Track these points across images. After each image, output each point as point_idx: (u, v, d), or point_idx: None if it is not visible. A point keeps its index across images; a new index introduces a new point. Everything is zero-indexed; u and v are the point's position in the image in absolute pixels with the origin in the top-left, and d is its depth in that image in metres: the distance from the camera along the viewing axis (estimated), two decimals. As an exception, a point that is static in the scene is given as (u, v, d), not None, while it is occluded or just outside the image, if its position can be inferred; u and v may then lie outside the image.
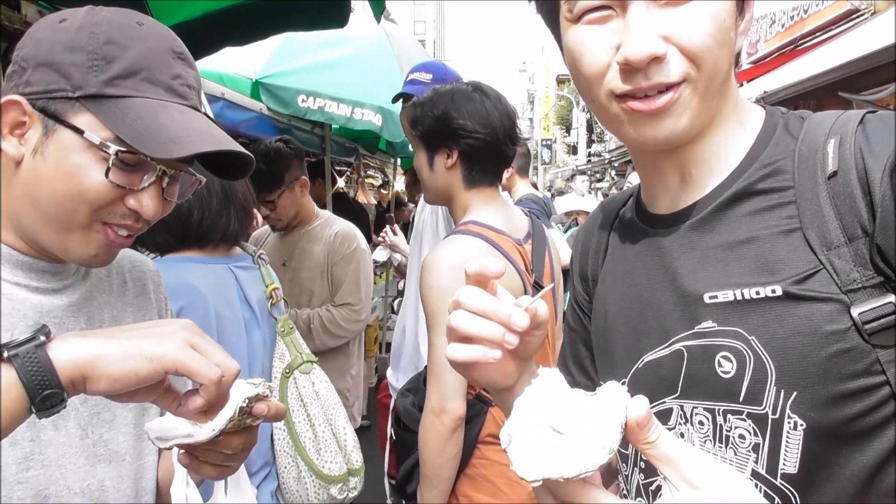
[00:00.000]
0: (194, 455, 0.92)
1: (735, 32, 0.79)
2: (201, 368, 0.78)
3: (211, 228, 1.77)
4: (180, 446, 0.89)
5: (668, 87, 0.76)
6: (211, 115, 2.75)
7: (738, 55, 0.86)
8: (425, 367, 1.91)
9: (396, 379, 2.54)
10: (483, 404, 1.77)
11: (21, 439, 0.91)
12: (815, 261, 0.73)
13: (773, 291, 0.74)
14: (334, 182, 5.54)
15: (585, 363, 1.07)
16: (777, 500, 0.75)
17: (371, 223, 7.69)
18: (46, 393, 0.71)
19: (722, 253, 0.80)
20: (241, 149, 0.97)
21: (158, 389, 0.81)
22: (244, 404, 0.88)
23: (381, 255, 4.36)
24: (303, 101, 3.98)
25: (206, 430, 0.86)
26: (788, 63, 7.72)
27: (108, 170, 0.89)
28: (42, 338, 0.73)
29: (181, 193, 1.02)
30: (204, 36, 2.58)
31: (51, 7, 2.16)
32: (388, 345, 5.89)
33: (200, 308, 1.63)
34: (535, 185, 5.24)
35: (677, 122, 0.78)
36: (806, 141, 0.78)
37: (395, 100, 2.89)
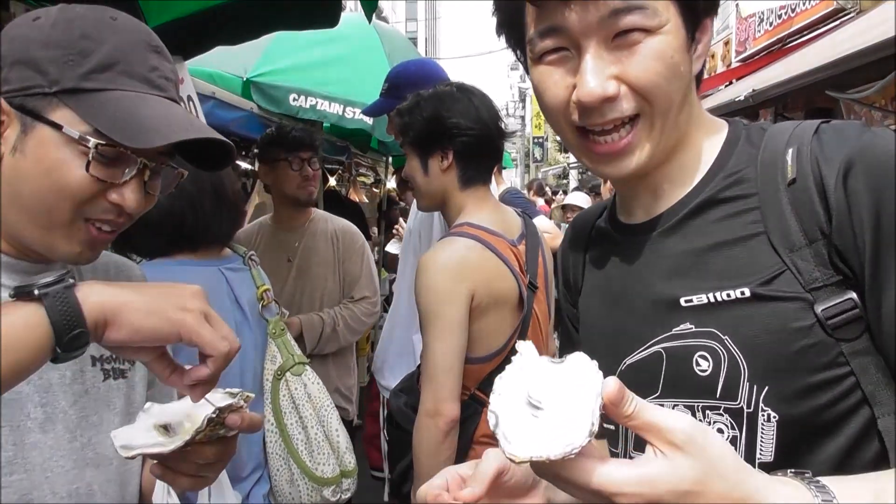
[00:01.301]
0: (167, 466, 0.91)
1: (689, 61, 0.85)
2: (213, 341, 0.81)
3: (203, 231, 1.76)
4: (147, 456, 0.87)
5: (624, 122, 0.83)
6: (202, 115, 2.74)
7: (700, 75, 0.91)
8: (418, 366, 1.92)
9: (384, 377, 2.55)
10: (478, 405, 1.78)
11: (4, 443, 0.90)
12: (779, 262, 0.79)
13: (743, 293, 0.80)
14: (326, 181, 5.52)
15: None
16: None
17: (368, 220, 7.68)
18: (76, 332, 0.73)
19: (694, 258, 0.85)
20: (221, 137, 0.97)
21: (157, 351, 0.83)
22: (214, 415, 0.86)
23: (394, 248, 4.40)
24: (294, 99, 3.97)
25: (173, 441, 0.85)
26: (776, 61, 7.76)
27: (88, 163, 0.89)
28: (70, 280, 0.74)
29: (164, 187, 1.02)
30: (195, 34, 2.57)
31: (40, 5, 2.14)
32: (380, 343, 5.89)
33: None
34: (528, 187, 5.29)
35: (637, 160, 0.85)
36: (767, 151, 0.84)
37: (368, 113, 2.93)
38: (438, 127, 1.84)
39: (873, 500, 0.67)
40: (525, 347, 0.71)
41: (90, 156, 0.89)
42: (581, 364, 0.66)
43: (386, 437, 2.07)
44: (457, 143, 1.84)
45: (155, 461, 0.91)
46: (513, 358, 0.70)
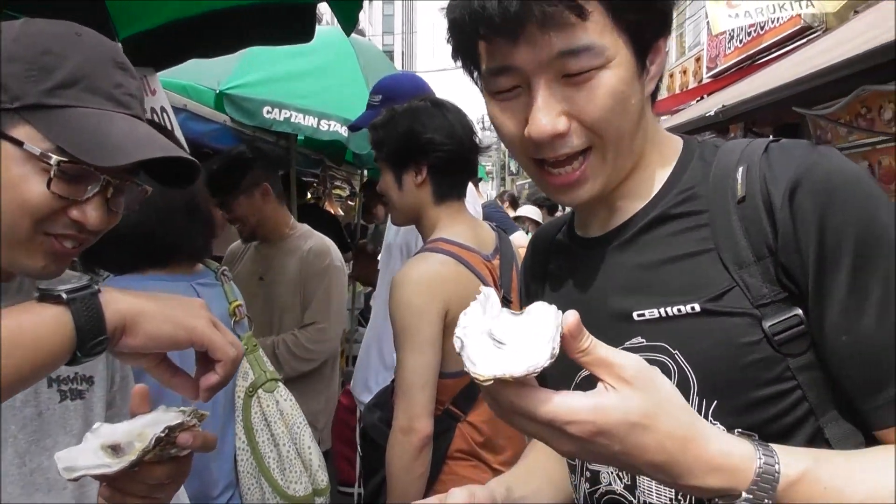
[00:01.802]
0: (116, 487, 0.87)
1: (641, 90, 0.86)
2: (224, 346, 0.83)
3: (174, 247, 1.73)
4: (92, 477, 0.84)
5: (576, 155, 0.84)
6: (177, 126, 2.71)
7: (655, 92, 0.93)
8: (392, 381, 1.91)
9: (361, 393, 2.52)
10: (452, 420, 1.78)
11: None
12: (728, 279, 0.81)
13: (693, 308, 0.82)
14: (301, 194, 5.49)
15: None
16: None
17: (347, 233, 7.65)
18: (99, 339, 0.76)
19: (646, 272, 0.87)
20: (186, 154, 0.96)
21: (159, 357, 0.86)
22: (163, 434, 0.82)
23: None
24: (268, 112, 3.93)
25: (117, 463, 0.82)
26: (746, 77, 7.92)
27: (49, 181, 0.87)
28: (96, 286, 0.76)
29: (128, 204, 1.00)
30: (168, 46, 2.55)
31: (19, 15, 2.09)
32: (356, 358, 5.84)
33: None
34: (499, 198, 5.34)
35: (590, 189, 0.87)
36: (719, 168, 0.86)
37: (351, 129, 2.90)
38: (413, 142, 1.84)
39: (813, 462, 0.69)
40: (489, 292, 0.73)
41: (52, 173, 0.87)
42: (541, 309, 0.69)
43: (360, 453, 2.05)
44: (431, 158, 1.84)
45: (103, 483, 0.88)
46: (476, 296, 0.72)
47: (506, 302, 1.87)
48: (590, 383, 0.75)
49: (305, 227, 3.05)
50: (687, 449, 0.67)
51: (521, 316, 0.70)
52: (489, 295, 0.73)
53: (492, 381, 0.65)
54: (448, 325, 1.72)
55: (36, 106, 0.88)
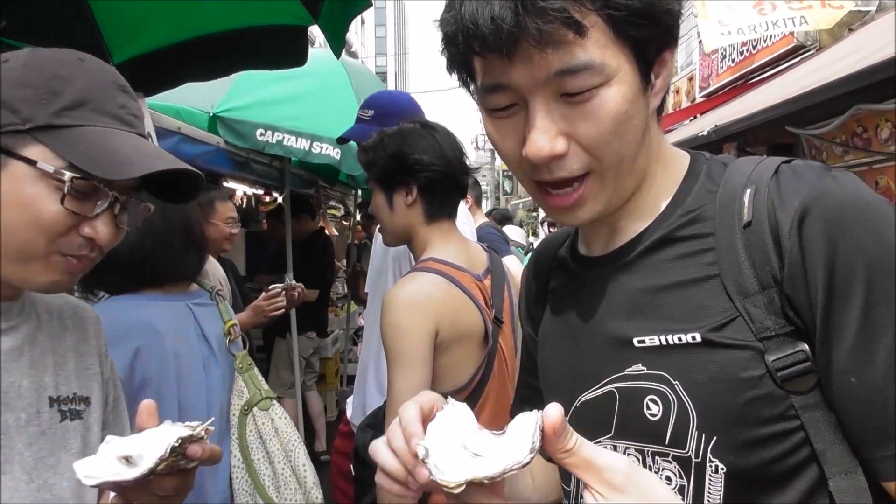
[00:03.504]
0: (127, 497, 0.91)
1: (645, 107, 0.81)
2: None
3: (172, 268, 1.75)
4: (109, 485, 0.88)
5: (573, 180, 0.80)
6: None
7: (661, 106, 0.88)
8: (384, 402, 1.89)
9: (356, 416, 2.50)
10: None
11: None
12: (732, 308, 0.76)
13: (694, 338, 0.77)
14: (310, 216, 5.48)
15: (535, 400, 1.08)
16: None
17: (336, 253, 7.65)
18: None
19: (648, 297, 0.83)
20: (192, 168, 1.00)
21: None
22: (176, 444, 0.87)
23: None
24: (261, 134, 3.96)
25: (136, 469, 0.85)
26: (739, 97, 7.97)
27: (63, 197, 0.91)
28: None
29: (131, 221, 1.04)
30: (162, 70, 2.57)
31: (16, 43, 2.11)
32: (351, 377, 5.81)
33: (158, 347, 1.61)
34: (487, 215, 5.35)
35: (590, 211, 0.83)
36: (726, 189, 0.81)
37: (339, 141, 2.89)
38: (402, 163, 1.85)
39: None
40: (459, 407, 0.68)
41: (65, 189, 0.91)
42: (522, 418, 0.64)
43: (352, 473, 2.03)
44: (420, 179, 1.85)
45: (114, 494, 0.92)
46: (443, 406, 0.67)
47: (497, 322, 1.86)
48: None
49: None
50: None
51: (503, 434, 0.64)
52: (461, 409, 0.67)
53: (463, 488, 0.59)
54: (438, 346, 1.71)
55: (47, 126, 0.91)
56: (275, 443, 1.82)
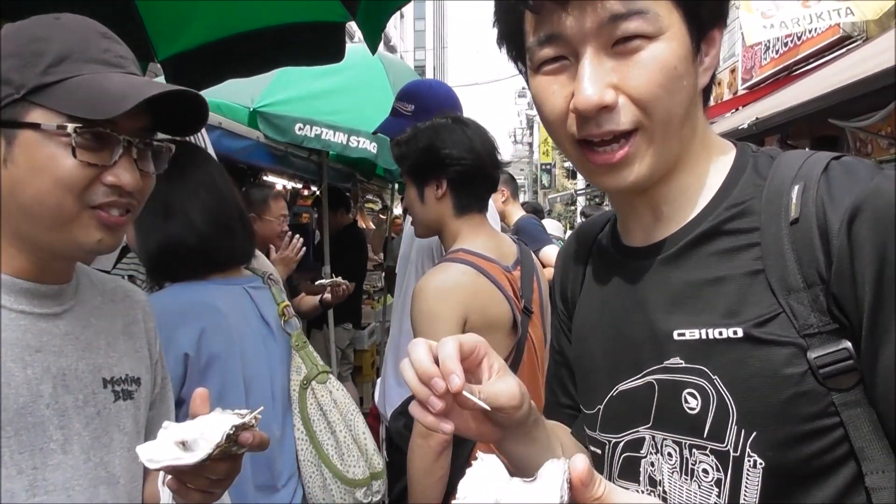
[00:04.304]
0: (181, 481, 0.98)
1: (694, 74, 0.81)
2: None
3: (234, 253, 1.82)
4: (169, 468, 0.94)
5: (620, 135, 0.79)
6: (209, 144, 2.79)
7: (708, 90, 0.86)
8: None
9: (383, 405, 2.56)
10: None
11: (25, 467, 0.95)
12: (775, 304, 0.75)
13: (735, 333, 0.77)
14: (349, 210, 5.57)
15: (567, 385, 1.10)
16: None
17: (373, 245, 7.73)
18: None
19: (691, 290, 0.82)
20: (187, 89, 0.99)
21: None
22: (231, 431, 0.93)
23: None
24: (300, 128, 4.03)
25: (195, 454, 0.92)
26: (781, 89, 7.79)
27: (73, 150, 0.93)
28: None
29: (158, 165, 1.05)
30: (206, 67, 2.63)
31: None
32: (386, 370, 5.87)
33: (222, 327, 1.69)
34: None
35: (636, 172, 0.81)
36: (773, 183, 0.80)
37: (374, 132, 2.92)
38: (432, 157, 1.91)
39: None
40: (489, 460, 0.67)
41: (73, 141, 0.92)
42: (551, 467, 0.63)
43: (386, 460, 2.09)
44: (450, 173, 1.90)
45: (170, 476, 0.98)
46: (473, 462, 0.67)
47: (527, 312, 1.89)
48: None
49: None
50: None
51: (534, 481, 0.63)
52: (491, 462, 0.67)
53: None
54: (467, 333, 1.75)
55: (38, 87, 0.92)
56: (335, 413, 1.88)
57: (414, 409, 0.79)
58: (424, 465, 1.75)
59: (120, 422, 1.09)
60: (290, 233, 3.53)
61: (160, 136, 1.05)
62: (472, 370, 0.81)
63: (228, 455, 0.97)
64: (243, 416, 0.97)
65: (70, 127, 0.92)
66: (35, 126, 0.93)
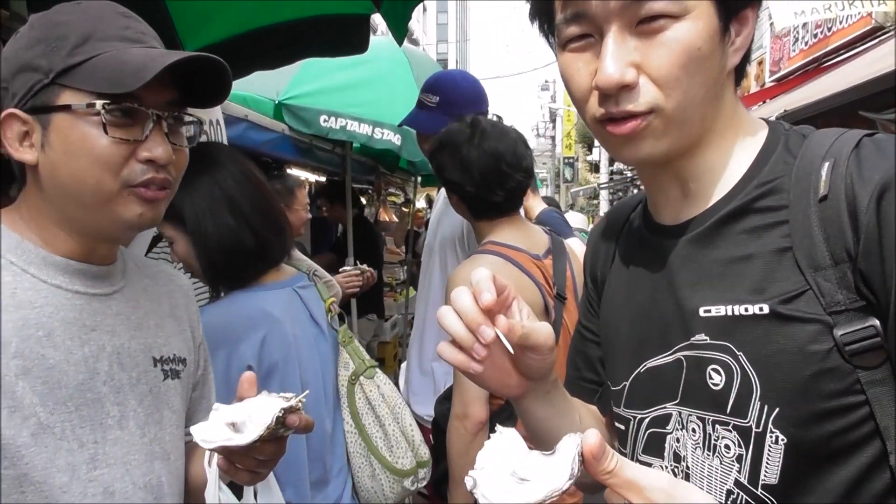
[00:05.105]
0: (231, 461, 1.02)
1: (721, 54, 0.80)
2: None
3: (284, 248, 1.83)
4: (221, 448, 0.98)
5: (635, 115, 0.79)
6: (224, 138, 2.82)
7: (741, 68, 0.87)
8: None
9: (408, 394, 2.58)
10: (513, 408, 1.84)
11: (87, 441, 0.98)
12: (802, 281, 0.75)
13: (761, 309, 0.77)
14: (356, 203, 5.59)
15: (593, 359, 1.11)
16: None
17: (396, 238, 7.76)
18: None
19: (719, 268, 0.82)
20: (207, 54, 1.01)
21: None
22: (280, 414, 0.96)
23: None
24: (324, 120, 4.05)
25: (245, 436, 0.95)
26: (810, 81, 7.68)
27: (105, 127, 0.94)
28: None
29: (190, 138, 1.07)
30: (232, 59, 2.64)
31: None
32: (409, 362, 5.90)
33: (280, 333, 1.71)
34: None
35: (653, 146, 0.82)
36: (803, 161, 0.80)
37: (400, 125, 2.93)
38: (441, 176, 2.02)
39: None
40: (507, 433, 0.69)
41: (103, 119, 0.95)
42: (568, 441, 0.65)
43: (430, 441, 2.15)
44: (457, 191, 2.00)
45: (219, 456, 1.03)
46: (491, 435, 0.69)
47: (560, 298, 1.91)
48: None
49: None
50: None
51: (552, 455, 0.65)
52: (509, 434, 0.69)
53: None
54: None
55: (65, 69, 0.95)
56: (383, 407, 1.93)
57: (444, 349, 0.83)
58: (461, 447, 1.82)
59: (169, 400, 1.13)
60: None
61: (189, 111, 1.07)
62: (503, 312, 0.83)
63: (275, 437, 1.00)
64: (289, 399, 0.99)
65: (99, 104, 0.94)
66: (66, 108, 0.95)
